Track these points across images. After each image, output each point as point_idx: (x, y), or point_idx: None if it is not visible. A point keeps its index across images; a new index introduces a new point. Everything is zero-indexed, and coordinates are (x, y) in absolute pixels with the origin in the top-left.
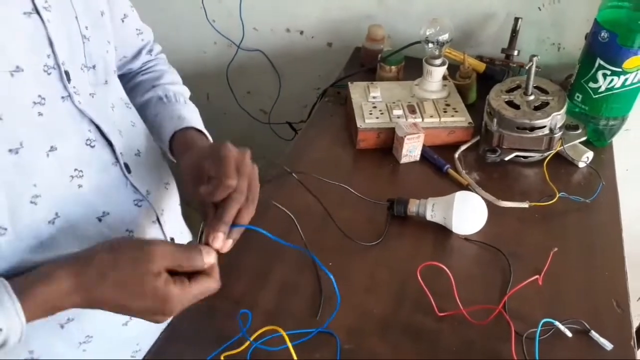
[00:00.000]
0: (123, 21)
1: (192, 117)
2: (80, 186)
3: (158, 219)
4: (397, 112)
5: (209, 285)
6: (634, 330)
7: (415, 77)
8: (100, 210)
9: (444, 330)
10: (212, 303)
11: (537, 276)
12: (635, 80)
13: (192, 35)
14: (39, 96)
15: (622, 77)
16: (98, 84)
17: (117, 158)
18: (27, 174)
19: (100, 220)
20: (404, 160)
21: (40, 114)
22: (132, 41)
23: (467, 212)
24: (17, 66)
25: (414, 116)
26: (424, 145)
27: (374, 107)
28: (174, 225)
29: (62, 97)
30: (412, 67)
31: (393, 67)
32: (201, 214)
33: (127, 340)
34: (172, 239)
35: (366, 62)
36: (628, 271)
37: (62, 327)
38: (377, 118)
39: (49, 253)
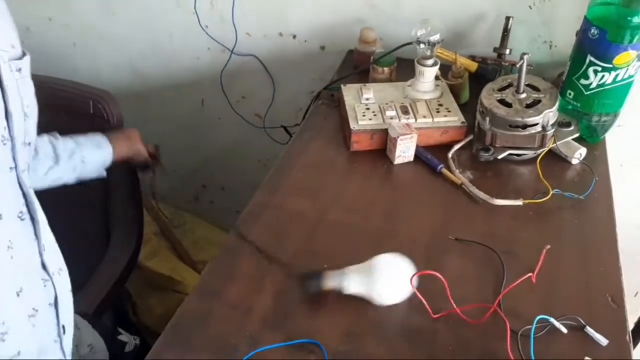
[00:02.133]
0: None
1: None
2: (12, 257)
3: (56, 302)
4: (390, 113)
5: None
6: (629, 325)
7: (408, 78)
8: (19, 285)
9: (439, 330)
10: (209, 307)
11: (530, 274)
12: (626, 76)
13: (186, 41)
14: None
15: (613, 73)
16: (28, 162)
17: (38, 235)
18: None
19: (18, 295)
20: (397, 160)
21: None
22: None
23: (391, 280)
24: None
25: (407, 117)
26: (417, 146)
27: (367, 108)
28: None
29: (10, 168)
30: (404, 68)
31: (385, 68)
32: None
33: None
34: (63, 326)
35: (359, 65)
36: (622, 267)
37: None
38: (370, 119)
39: None
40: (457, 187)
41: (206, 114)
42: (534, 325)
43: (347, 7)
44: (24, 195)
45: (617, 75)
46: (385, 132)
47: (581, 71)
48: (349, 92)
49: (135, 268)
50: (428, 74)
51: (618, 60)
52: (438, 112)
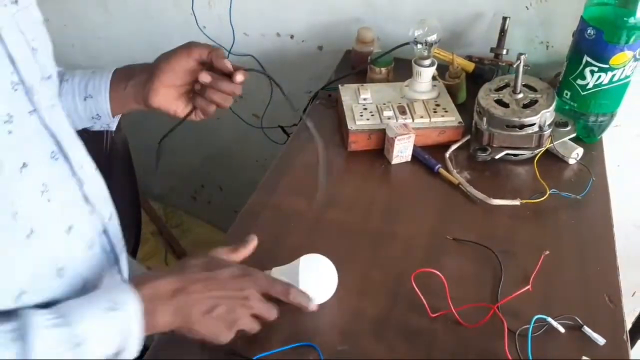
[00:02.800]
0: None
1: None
2: (49, 200)
3: (105, 230)
4: (388, 113)
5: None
6: (626, 325)
7: (405, 78)
8: (67, 224)
9: (438, 330)
10: None
11: (527, 287)
12: (623, 76)
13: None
14: (8, 114)
15: (610, 74)
16: (54, 96)
17: (74, 171)
18: (3, 193)
19: (67, 233)
20: (395, 161)
21: (9, 132)
22: None
23: (315, 279)
24: None
25: (405, 117)
26: (415, 146)
27: (365, 108)
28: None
29: (29, 112)
30: (401, 68)
31: (383, 68)
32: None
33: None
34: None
35: (356, 65)
36: (620, 266)
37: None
38: (368, 120)
39: (22, 272)
40: (454, 187)
41: None
42: (532, 325)
43: (344, 6)
44: (52, 135)
45: (613, 76)
46: (382, 132)
47: (578, 71)
48: (347, 92)
49: None
50: (425, 74)
51: (614, 60)
52: (435, 112)
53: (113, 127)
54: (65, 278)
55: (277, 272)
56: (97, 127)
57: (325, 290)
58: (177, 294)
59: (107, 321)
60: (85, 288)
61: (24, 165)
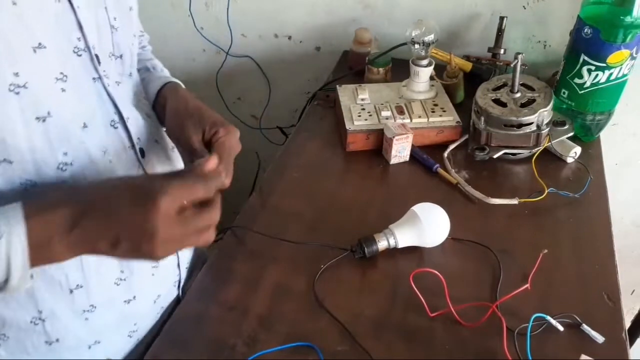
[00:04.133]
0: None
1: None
2: (110, 162)
3: None
4: (386, 113)
5: (211, 215)
6: (625, 323)
7: (403, 78)
8: None
9: (437, 329)
10: (205, 309)
11: (526, 286)
12: (620, 75)
13: (181, 43)
14: (61, 73)
15: (607, 72)
16: (124, 74)
17: (133, 143)
18: (56, 143)
19: None
20: (393, 161)
21: (63, 90)
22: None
23: (435, 221)
24: (39, 43)
25: (403, 117)
26: (413, 146)
27: (363, 109)
28: None
29: (94, 79)
30: (399, 68)
31: (380, 69)
32: (183, 149)
33: (127, 317)
34: None
35: (354, 65)
36: (618, 264)
37: (71, 292)
38: (366, 120)
39: None
40: (452, 187)
41: None
42: (531, 324)
43: (341, 7)
44: (115, 105)
45: (610, 74)
46: (381, 132)
47: (575, 70)
48: (345, 92)
49: None
50: (423, 74)
51: (612, 59)
52: (433, 112)
53: None
54: None
55: (396, 226)
56: None
57: (443, 231)
58: (73, 227)
59: None
60: None
61: (85, 125)
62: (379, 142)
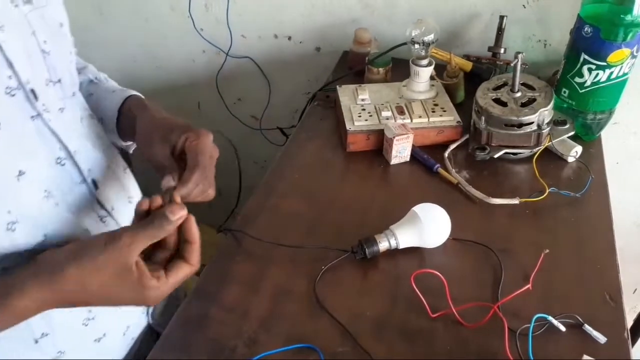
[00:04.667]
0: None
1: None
2: (56, 204)
3: None
4: (386, 113)
5: (185, 271)
6: (627, 323)
7: (403, 78)
8: (75, 229)
9: (438, 330)
10: (206, 310)
11: (528, 286)
12: (620, 74)
13: (181, 44)
14: None
15: (607, 71)
16: (66, 97)
17: (84, 177)
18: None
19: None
20: (394, 161)
21: None
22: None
23: (435, 222)
24: None
25: (403, 117)
26: (413, 146)
27: (363, 109)
28: None
29: (32, 117)
30: (399, 68)
31: (380, 69)
32: (156, 168)
33: (99, 355)
34: None
35: (354, 65)
36: (620, 264)
37: (36, 342)
38: (366, 120)
39: None
40: (453, 187)
41: (202, 117)
42: (532, 324)
43: (340, 8)
44: (59, 140)
45: (611, 73)
46: (381, 132)
47: (575, 69)
48: (345, 93)
49: None
50: (423, 74)
51: (612, 58)
52: (434, 112)
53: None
54: None
55: (397, 226)
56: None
57: (444, 232)
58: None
59: None
60: None
61: (20, 172)
62: (380, 142)
